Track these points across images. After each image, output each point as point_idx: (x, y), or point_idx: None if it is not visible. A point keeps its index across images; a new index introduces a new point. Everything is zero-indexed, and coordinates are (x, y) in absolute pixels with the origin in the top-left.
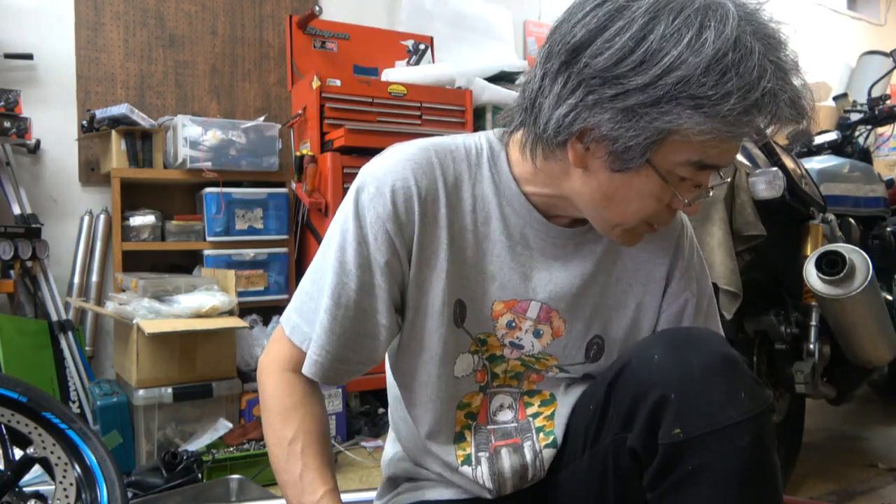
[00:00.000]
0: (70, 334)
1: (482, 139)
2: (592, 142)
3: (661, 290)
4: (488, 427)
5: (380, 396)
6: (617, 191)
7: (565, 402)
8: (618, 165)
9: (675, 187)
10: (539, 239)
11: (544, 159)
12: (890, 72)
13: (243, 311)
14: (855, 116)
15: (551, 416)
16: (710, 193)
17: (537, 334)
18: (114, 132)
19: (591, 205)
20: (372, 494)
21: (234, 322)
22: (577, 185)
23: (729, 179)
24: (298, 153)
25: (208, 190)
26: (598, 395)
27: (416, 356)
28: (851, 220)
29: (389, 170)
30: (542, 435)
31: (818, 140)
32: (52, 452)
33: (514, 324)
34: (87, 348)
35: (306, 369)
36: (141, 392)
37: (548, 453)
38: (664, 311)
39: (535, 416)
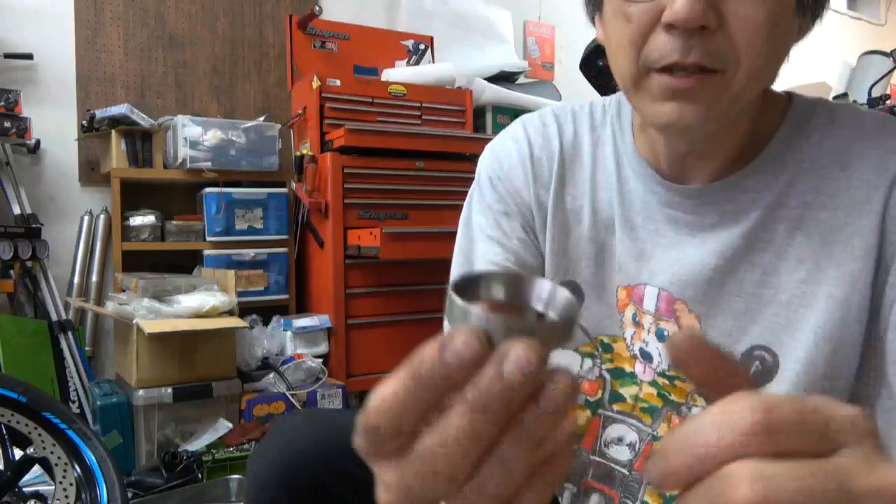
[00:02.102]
0: (70, 334)
1: (613, 97)
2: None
3: (871, 271)
4: (592, 457)
5: None
6: (609, 37)
7: None
8: (591, 8)
9: None
10: (663, 205)
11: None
12: (890, 72)
13: (243, 311)
14: None
15: (669, 498)
16: None
17: (661, 336)
18: (114, 132)
19: (615, 76)
20: None
21: (234, 322)
22: None
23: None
24: (298, 153)
25: (208, 190)
26: None
27: None
28: None
29: (506, 132)
30: None
31: None
32: (51, 452)
33: (637, 319)
34: (86, 348)
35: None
36: (141, 392)
37: None
38: (890, 309)
39: None
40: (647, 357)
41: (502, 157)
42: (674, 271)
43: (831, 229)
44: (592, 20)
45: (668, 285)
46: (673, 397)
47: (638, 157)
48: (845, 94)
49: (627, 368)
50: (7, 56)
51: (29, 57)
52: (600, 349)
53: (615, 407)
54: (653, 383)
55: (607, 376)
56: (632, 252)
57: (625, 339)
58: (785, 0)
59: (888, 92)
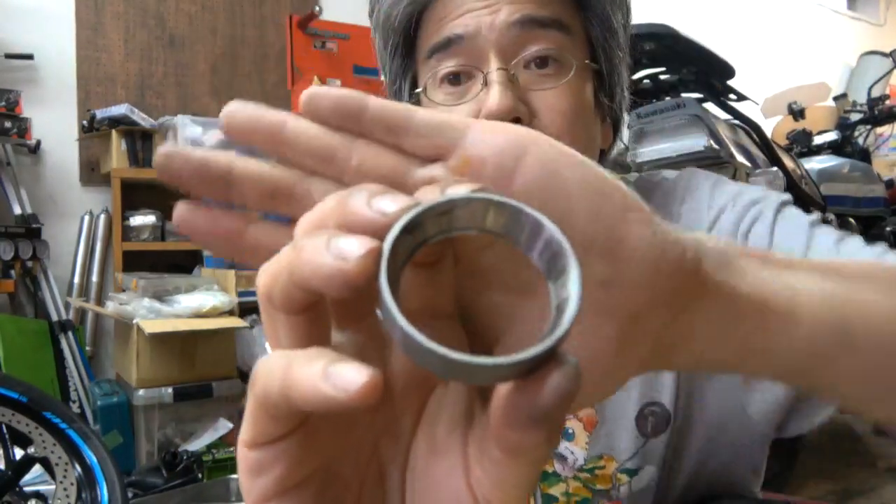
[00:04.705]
0: (70, 334)
1: None
2: None
3: None
4: None
5: None
6: None
7: None
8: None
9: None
10: None
11: None
12: (889, 72)
13: (243, 311)
14: (855, 116)
15: None
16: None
17: (568, 436)
18: (114, 132)
19: None
20: None
21: (234, 322)
22: None
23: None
24: None
25: None
26: None
27: None
28: (851, 220)
29: None
30: None
31: (818, 140)
32: (52, 452)
33: None
34: (87, 348)
35: None
36: (141, 392)
37: None
38: None
39: None
40: (560, 458)
41: None
42: None
43: None
44: None
45: None
46: (598, 486)
47: None
48: (844, 95)
49: (549, 469)
50: (7, 56)
51: (29, 57)
52: None
53: None
54: (575, 478)
55: (538, 482)
56: None
57: None
58: (581, 95)
59: (887, 92)
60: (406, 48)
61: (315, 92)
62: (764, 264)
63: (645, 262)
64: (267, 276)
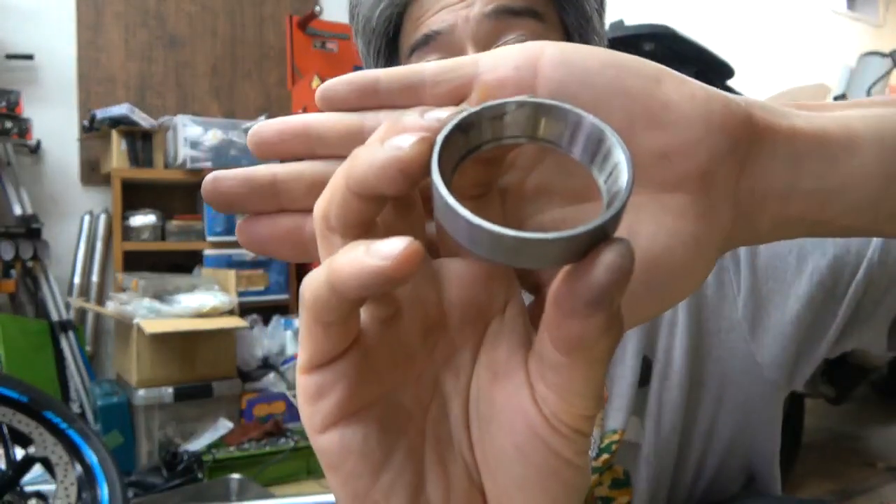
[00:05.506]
0: (71, 334)
1: None
2: None
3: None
4: None
5: None
6: None
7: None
8: None
9: None
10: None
11: None
12: (889, 72)
13: (243, 310)
14: None
15: None
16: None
17: None
18: (114, 132)
19: None
20: None
21: (234, 322)
22: None
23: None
24: None
25: None
26: None
27: None
28: None
29: None
30: None
31: None
32: (52, 452)
33: None
34: (87, 348)
35: None
36: (141, 392)
37: None
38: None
39: (608, 501)
40: None
41: None
42: None
43: None
44: None
45: None
46: (610, 466)
47: None
48: (844, 95)
49: None
50: (8, 56)
51: (30, 57)
52: None
53: None
54: (593, 470)
55: None
56: None
57: None
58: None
59: (887, 92)
60: (388, 50)
61: (328, 83)
62: (804, 107)
63: (693, 120)
64: (324, 198)
